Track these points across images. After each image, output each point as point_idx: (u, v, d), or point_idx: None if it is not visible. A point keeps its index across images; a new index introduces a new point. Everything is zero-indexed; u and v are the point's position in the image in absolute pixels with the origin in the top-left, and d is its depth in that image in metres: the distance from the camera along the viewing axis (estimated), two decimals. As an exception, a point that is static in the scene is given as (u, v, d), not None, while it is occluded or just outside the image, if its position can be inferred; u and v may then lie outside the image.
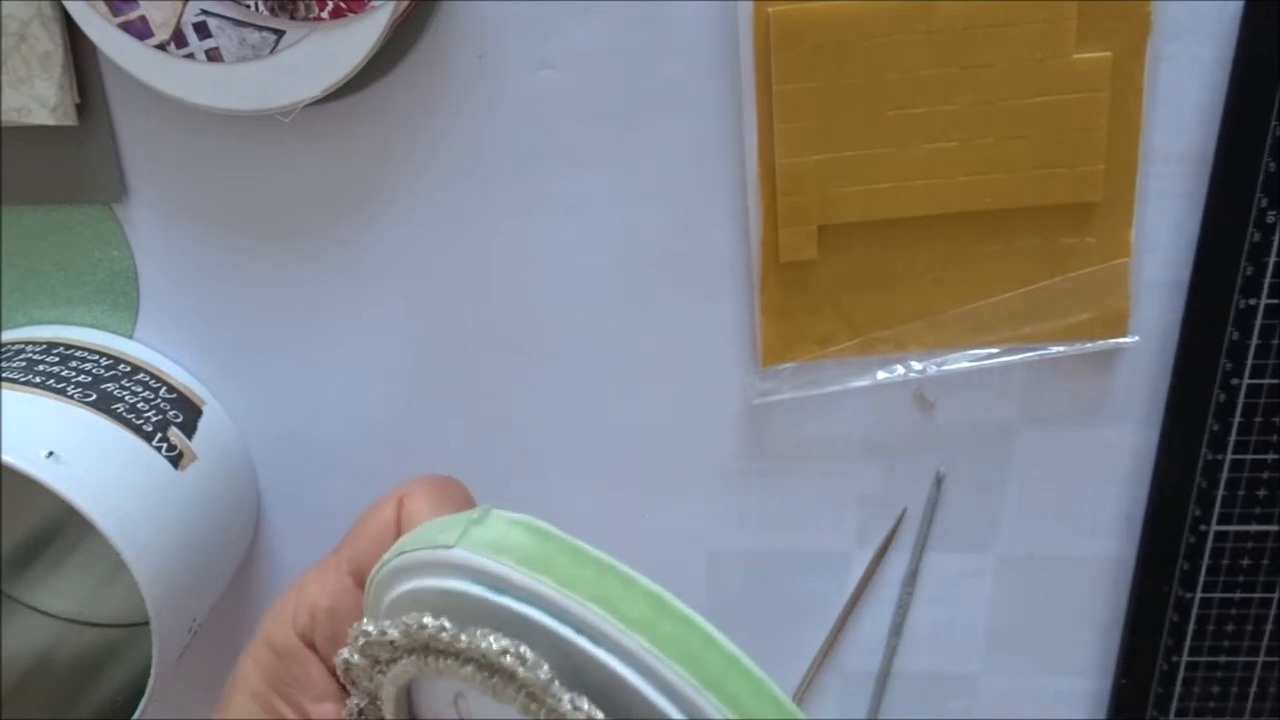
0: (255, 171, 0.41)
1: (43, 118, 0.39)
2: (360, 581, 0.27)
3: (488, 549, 0.21)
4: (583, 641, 0.20)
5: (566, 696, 0.20)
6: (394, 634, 0.22)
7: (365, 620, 0.23)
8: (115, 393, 0.40)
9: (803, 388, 0.43)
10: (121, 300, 0.43)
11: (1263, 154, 0.39)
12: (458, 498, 0.28)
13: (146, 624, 0.36)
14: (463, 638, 0.21)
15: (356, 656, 0.24)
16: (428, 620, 0.22)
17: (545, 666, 0.20)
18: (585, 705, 0.20)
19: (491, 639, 0.21)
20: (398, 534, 0.27)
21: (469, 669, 0.21)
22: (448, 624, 0.21)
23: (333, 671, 0.27)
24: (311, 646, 0.27)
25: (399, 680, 0.23)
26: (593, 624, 0.20)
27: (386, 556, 0.24)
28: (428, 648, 0.22)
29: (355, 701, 0.25)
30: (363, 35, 0.36)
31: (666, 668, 0.20)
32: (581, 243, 0.42)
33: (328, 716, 0.27)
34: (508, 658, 0.20)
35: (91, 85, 0.40)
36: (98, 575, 0.47)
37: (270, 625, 0.27)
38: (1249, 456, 0.43)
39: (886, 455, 0.45)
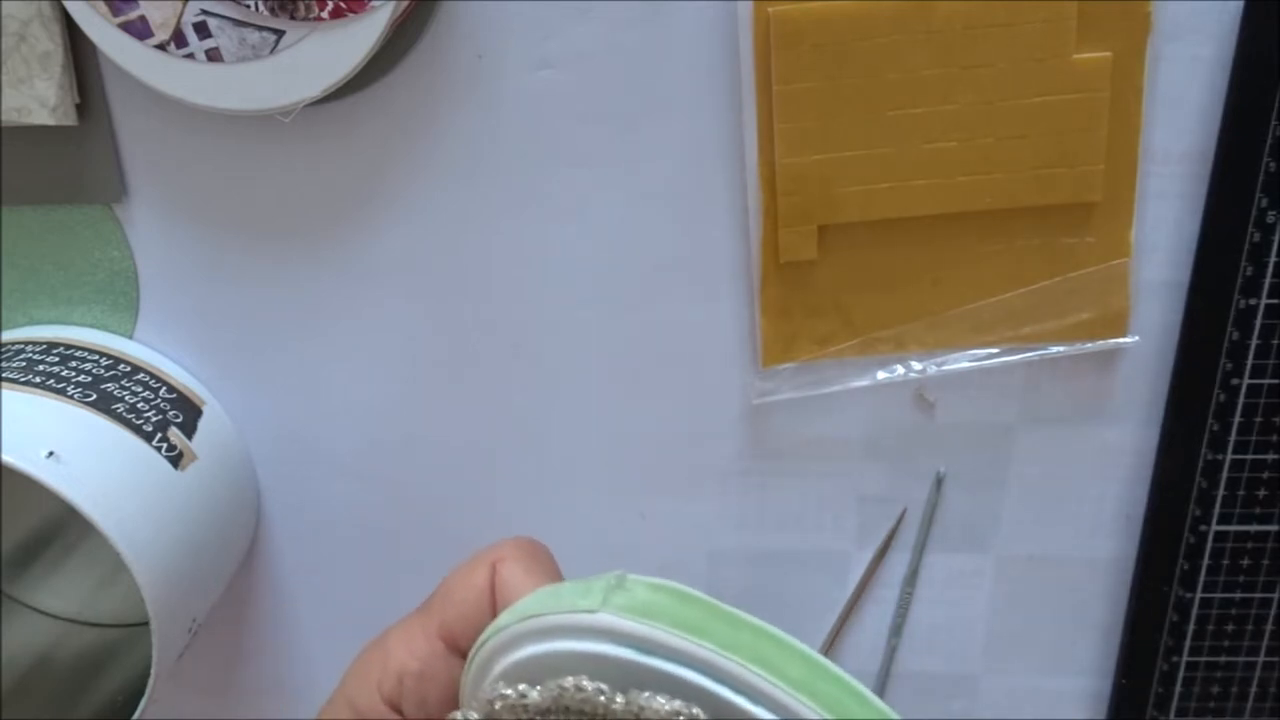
0: (255, 171, 0.41)
1: (43, 118, 0.39)
2: (452, 646, 0.26)
3: (635, 613, 0.21)
4: (743, 702, 0.20)
5: None
6: (535, 696, 0.22)
7: (500, 682, 0.22)
8: (115, 393, 0.40)
9: (803, 388, 0.43)
10: (121, 300, 0.43)
11: (1263, 154, 0.39)
12: (549, 564, 0.27)
13: (146, 624, 0.36)
14: (619, 699, 0.21)
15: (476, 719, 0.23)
16: (586, 683, 0.21)
17: None
18: None
19: (661, 700, 0.20)
20: (493, 600, 0.26)
21: None
22: (605, 686, 0.21)
23: None
24: (398, 712, 0.26)
25: None
26: (755, 685, 0.20)
27: (505, 620, 0.23)
28: (569, 710, 0.22)
29: None
30: (363, 35, 0.36)
31: None
32: (581, 243, 0.42)
33: None
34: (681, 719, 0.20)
35: (91, 85, 0.40)
36: (98, 575, 0.47)
37: (352, 688, 0.26)
38: (1249, 456, 0.43)
39: (886, 455, 0.45)
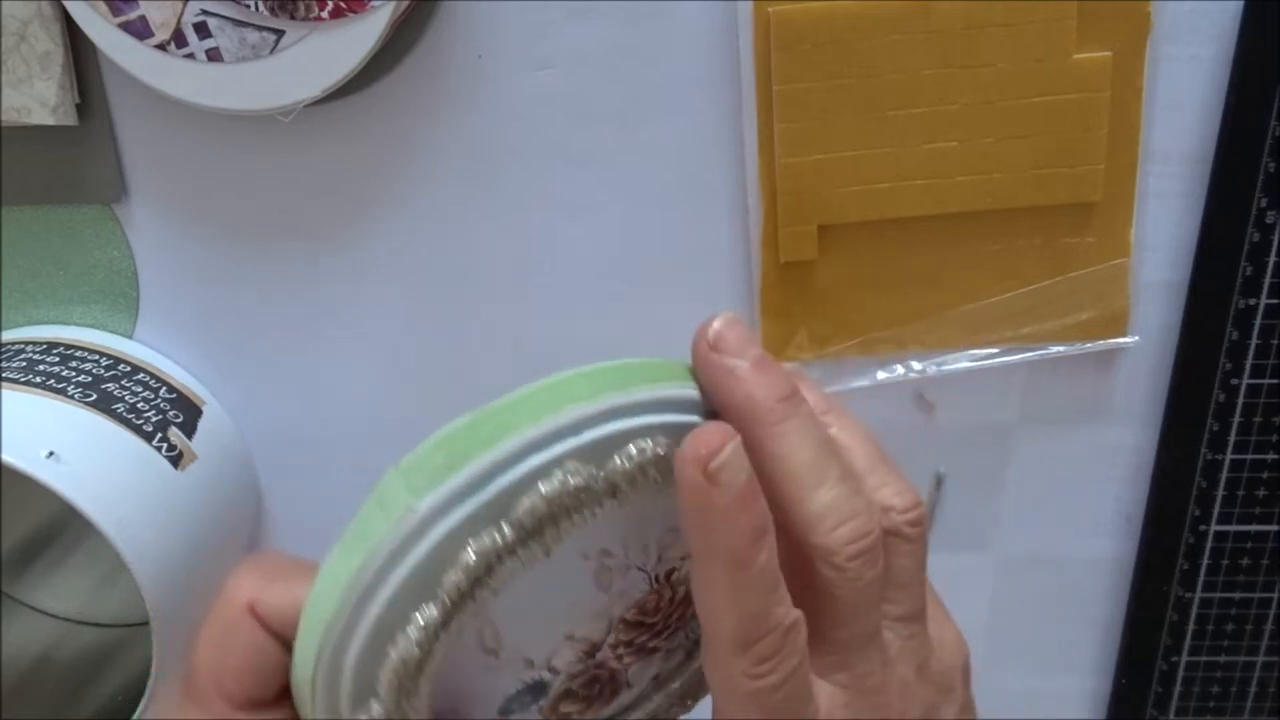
0: (255, 171, 0.41)
1: (43, 118, 0.39)
2: (248, 708, 0.23)
3: (437, 479, 0.21)
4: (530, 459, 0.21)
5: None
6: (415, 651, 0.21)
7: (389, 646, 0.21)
8: (115, 393, 0.40)
9: (803, 388, 0.43)
10: (121, 300, 0.43)
11: (1263, 154, 0.39)
12: (290, 562, 0.24)
13: (146, 624, 0.36)
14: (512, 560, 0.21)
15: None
16: (456, 576, 0.21)
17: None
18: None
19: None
20: (273, 639, 0.22)
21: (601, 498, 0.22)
22: (483, 558, 0.21)
23: None
24: None
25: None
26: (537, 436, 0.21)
27: (324, 615, 0.21)
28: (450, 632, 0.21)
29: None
30: (363, 35, 0.36)
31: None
32: (581, 243, 0.42)
33: None
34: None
35: (91, 85, 0.40)
36: (98, 575, 0.47)
37: None
38: (1249, 456, 0.43)
39: (886, 455, 0.45)
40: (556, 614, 0.24)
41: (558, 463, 0.21)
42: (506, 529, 0.21)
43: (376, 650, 0.21)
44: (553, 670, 0.25)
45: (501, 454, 0.21)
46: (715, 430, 0.21)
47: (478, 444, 0.21)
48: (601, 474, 0.21)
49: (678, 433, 0.22)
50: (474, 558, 0.21)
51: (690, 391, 0.23)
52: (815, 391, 0.26)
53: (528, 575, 0.21)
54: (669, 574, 0.25)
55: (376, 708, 0.21)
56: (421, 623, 0.21)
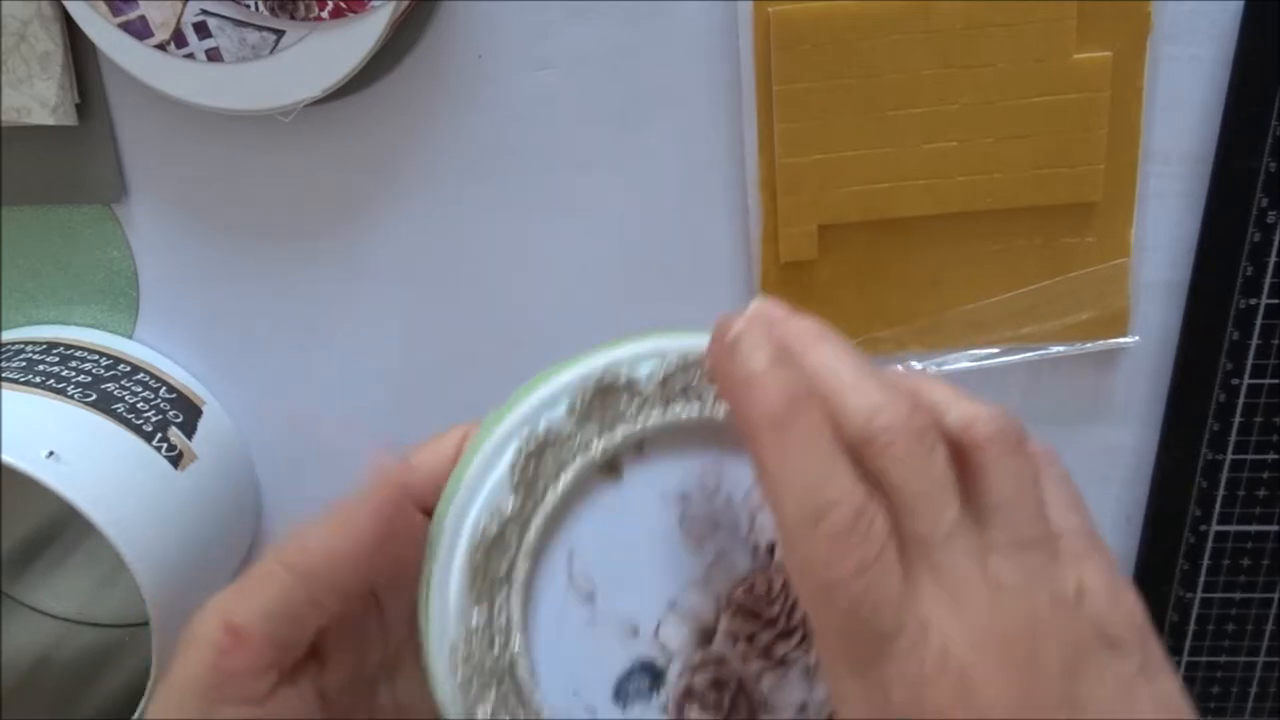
0: (255, 171, 0.41)
1: (43, 118, 0.39)
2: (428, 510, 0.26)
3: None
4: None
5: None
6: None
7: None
8: (115, 393, 0.40)
9: (803, 388, 0.43)
10: (121, 300, 0.43)
11: (1263, 154, 0.39)
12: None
13: (146, 624, 0.36)
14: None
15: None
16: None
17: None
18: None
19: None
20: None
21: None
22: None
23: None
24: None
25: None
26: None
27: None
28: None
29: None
30: (363, 35, 0.36)
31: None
32: (581, 243, 0.42)
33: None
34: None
35: (91, 85, 0.40)
36: (98, 575, 0.47)
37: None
38: (1249, 456, 0.43)
39: (886, 455, 0.45)
40: (649, 566, 0.24)
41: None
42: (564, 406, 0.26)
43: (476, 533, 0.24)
44: (665, 650, 0.25)
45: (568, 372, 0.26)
46: (737, 314, 0.23)
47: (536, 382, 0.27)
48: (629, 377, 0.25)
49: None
50: (540, 430, 0.26)
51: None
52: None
53: (605, 501, 0.24)
54: (770, 547, 0.25)
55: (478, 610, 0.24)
56: (504, 507, 0.24)
